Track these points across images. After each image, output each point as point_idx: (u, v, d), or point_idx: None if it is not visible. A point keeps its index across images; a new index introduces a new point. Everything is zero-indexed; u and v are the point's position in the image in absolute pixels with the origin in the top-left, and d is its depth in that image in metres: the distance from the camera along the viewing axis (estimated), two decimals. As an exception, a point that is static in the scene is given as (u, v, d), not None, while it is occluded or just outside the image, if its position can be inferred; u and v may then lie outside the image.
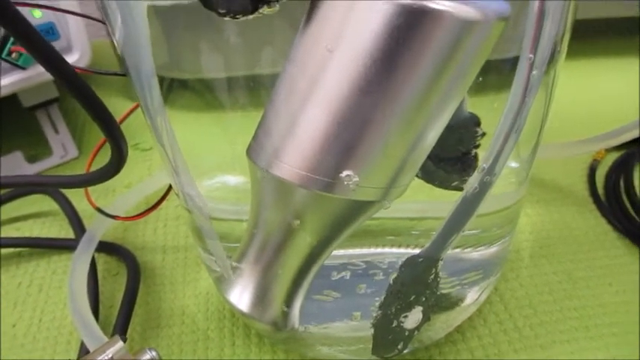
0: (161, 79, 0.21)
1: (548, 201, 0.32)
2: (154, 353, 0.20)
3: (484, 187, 0.18)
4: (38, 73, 0.32)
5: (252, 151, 0.18)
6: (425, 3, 0.14)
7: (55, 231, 0.33)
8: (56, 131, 0.39)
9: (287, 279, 0.20)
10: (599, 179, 0.33)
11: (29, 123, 0.38)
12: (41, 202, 0.34)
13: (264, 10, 0.16)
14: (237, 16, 0.17)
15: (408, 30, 0.14)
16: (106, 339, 0.22)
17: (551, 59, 0.18)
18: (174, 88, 0.22)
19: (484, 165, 0.18)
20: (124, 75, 0.22)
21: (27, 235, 0.33)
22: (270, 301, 0.21)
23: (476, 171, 0.18)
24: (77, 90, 0.19)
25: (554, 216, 0.31)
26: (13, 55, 0.29)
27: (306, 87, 0.16)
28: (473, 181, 0.18)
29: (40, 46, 0.17)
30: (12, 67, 0.31)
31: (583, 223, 0.31)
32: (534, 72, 0.16)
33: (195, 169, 0.22)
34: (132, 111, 0.28)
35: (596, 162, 0.34)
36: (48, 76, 0.33)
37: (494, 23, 0.15)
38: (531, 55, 0.16)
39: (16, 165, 0.38)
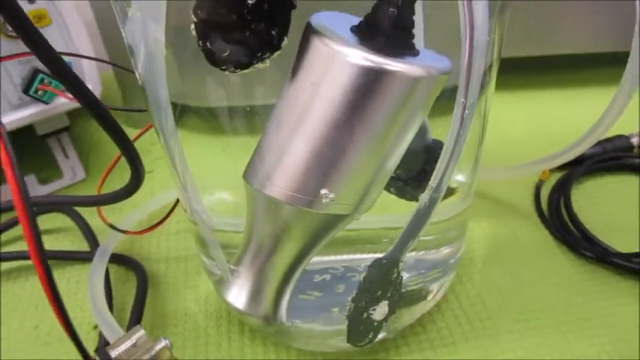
0: (174, 105, 0.25)
1: (499, 215, 0.37)
2: (167, 341, 0.23)
3: (433, 202, 0.23)
4: (56, 106, 0.36)
5: (247, 175, 0.22)
6: (383, 65, 0.18)
7: (67, 245, 0.37)
8: (66, 156, 0.42)
9: (276, 280, 0.24)
10: (544, 197, 0.38)
11: (41, 149, 0.42)
12: (54, 220, 0.38)
13: (258, 65, 0.21)
14: (236, 71, 0.21)
15: (370, 84, 0.18)
16: (122, 332, 0.26)
17: (482, 88, 0.23)
18: (185, 113, 0.26)
19: (432, 184, 0.23)
20: (144, 111, 0.26)
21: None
22: (262, 299, 0.25)
23: (426, 189, 0.23)
24: (104, 121, 0.22)
25: (505, 228, 0.36)
26: (39, 92, 0.33)
27: (292, 125, 0.20)
28: (424, 197, 0.23)
29: (79, 87, 0.21)
30: (34, 101, 0.35)
31: (529, 234, 0.36)
32: (467, 111, 0.21)
33: (200, 186, 0.26)
34: (141, 134, 0.32)
35: (542, 182, 0.39)
36: (63, 109, 0.38)
37: (438, 77, 0.20)
38: (463, 100, 0.21)
39: (29, 186, 0.41)
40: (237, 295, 0.25)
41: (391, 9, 0.19)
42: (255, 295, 0.25)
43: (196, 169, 0.25)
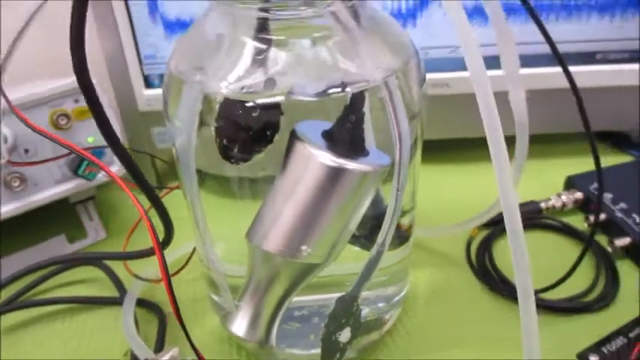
0: (199, 172, 0.32)
1: (438, 265, 0.45)
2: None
3: (380, 254, 0.32)
4: (94, 181, 0.44)
5: (249, 235, 0.30)
6: (343, 165, 0.27)
7: (96, 291, 0.44)
8: (91, 219, 0.50)
9: (268, 312, 0.31)
10: (473, 249, 0.47)
11: (70, 213, 0.50)
12: (85, 272, 0.45)
13: (256, 157, 0.30)
14: (240, 163, 0.30)
15: (335, 177, 0.27)
16: (152, 353, 0.34)
17: (411, 158, 0.31)
18: (206, 179, 0.33)
19: (379, 241, 0.31)
20: (177, 188, 0.34)
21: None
22: (258, 328, 0.32)
23: (375, 244, 0.32)
24: (149, 194, 0.31)
25: (442, 274, 0.45)
26: (87, 172, 0.42)
27: (282, 202, 0.28)
28: (373, 251, 0.32)
29: (129, 164, 0.29)
30: (74, 177, 0.44)
31: (461, 280, 0.44)
32: (399, 192, 0.30)
33: (214, 239, 0.34)
34: (167, 193, 0.40)
35: (472, 238, 0.48)
36: (96, 183, 0.46)
37: (381, 170, 0.29)
38: (397, 184, 0.30)
39: (60, 245, 0.49)
40: (239, 325, 0.32)
41: (348, 124, 0.29)
42: (253, 324, 0.32)
43: (212, 225, 0.34)
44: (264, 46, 0.27)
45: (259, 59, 0.28)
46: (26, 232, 0.49)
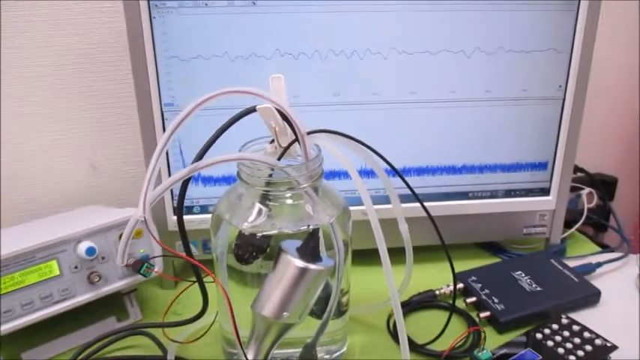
0: (228, 266, 0.53)
1: (368, 331, 0.64)
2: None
3: (327, 320, 0.52)
4: (145, 277, 0.64)
5: (253, 305, 0.49)
6: (307, 266, 0.48)
7: (142, 352, 0.61)
8: (132, 305, 0.68)
9: (263, 356, 0.52)
10: (392, 322, 0.67)
11: (116, 300, 0.68)
12: (133, 340, 0.63)
13: (257, 261, 0.51)
14: (248, 264, 0.51)
15: (303, 274, 0.48)
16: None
17: (345, 261, 0.53)
18: (232, 272, 0.53)
19: (327, 311, 0.52)
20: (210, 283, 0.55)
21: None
22: None
23: (324, 314, 0.52)
24: (198, 278, 0.51)
25: (370, 337, 0.63)
26: (146, 271, 0.61)
27: (273, 287, 0.49)
28: (324, 318, 0.52)
29: (193, 262, 0.50)
30: (132, 274, 0.63)
31: (383, 342, 0.63)
32: (339, 281, 0.52)
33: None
34: (206, 276, 0.60)
35: (391, 314, 0.69)
36: (143, 279, 0.65)
37: (329, 269, 0.51)
38: (337, 276, 0.52)
39: (111, 323, 0.66)
40: (246, 365, 0.52)
41: (310, 244, 0.51)
42: (254, 363, 0.52)
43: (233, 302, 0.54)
44: (265, 207, 0.50)
45: (263, 212, 0.51)
46: (81, 313, 0.66)
